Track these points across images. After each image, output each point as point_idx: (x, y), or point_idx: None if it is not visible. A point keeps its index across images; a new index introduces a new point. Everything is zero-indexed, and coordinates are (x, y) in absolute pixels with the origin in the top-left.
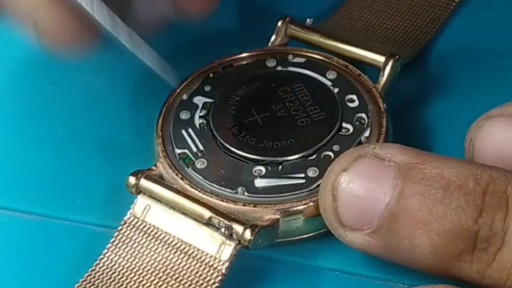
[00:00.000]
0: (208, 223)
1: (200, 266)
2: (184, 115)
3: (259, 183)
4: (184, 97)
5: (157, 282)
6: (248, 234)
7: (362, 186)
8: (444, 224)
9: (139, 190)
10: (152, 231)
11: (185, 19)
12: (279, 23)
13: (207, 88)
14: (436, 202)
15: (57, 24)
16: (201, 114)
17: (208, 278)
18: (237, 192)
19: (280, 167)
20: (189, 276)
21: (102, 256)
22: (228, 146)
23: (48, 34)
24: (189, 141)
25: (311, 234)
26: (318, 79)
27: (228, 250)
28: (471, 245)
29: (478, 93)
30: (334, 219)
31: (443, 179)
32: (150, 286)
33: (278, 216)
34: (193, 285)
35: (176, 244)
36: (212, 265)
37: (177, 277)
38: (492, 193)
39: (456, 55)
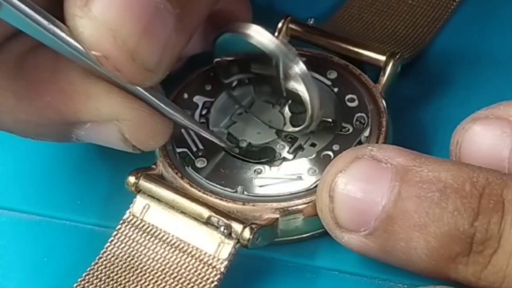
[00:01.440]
0: (207, 222)
1: (199, 265)
2: None
3: (259, 182)
4: (185, 96)
5: (156, 281)
6: (247, 233)
7: (359, 187)
8: (441, 227)
9: (139, 189)
10: (151, 230)
11: None
12: (280, 23)
13: (208, 87)
14: (432, 205)
15: (141, 125)
16: (202, 113)
17: (207, 277)
18: (236, 191)
19: (279, 166)
20: (188, 275)
21: (101, 255)
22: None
23: (134, 136)
24: (189, 140)
25: (310, 233)
26: (318, 79)
27: (227, 249)
28: (467, 247)
29: (477, 93)
30: (331, 220)
31: (440, 182)
32: (149, 285)
33: (277, 216)
34: (192, 284)
35: (175, 243)
36: (211, 264)
37: (176, 276)
38: (488, 196)
39: (457, 56)
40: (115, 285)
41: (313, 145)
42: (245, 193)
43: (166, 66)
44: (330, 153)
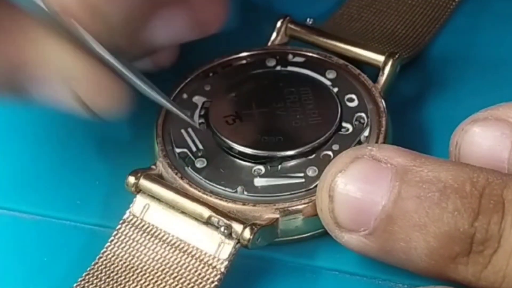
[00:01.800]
0: (207, 222)
1: (199, 265)
2: None
3: (259, 182)
4: (184, 96)
5: (156, 281)
6: (247, 233)
7: (358, 187)
8: (441, 227)
9: (139, 189)
10: (151, 230)
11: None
12: (279, 23)
13: (207, 88)
14: (432, 205)
15: (96, 85)
16: (201, 113)
17: (207, 277)
18: (236, 191)
19: (279, 166)
20: (188, 275)
21: (101, 255)
22: (226, 141)
23: (87, 95)
24: (189, 140)
25: (311, 233)
26: (318, 79)
27: (227, 249)
28: (467, 248)
29: (477, 93)
30: (331, 220)
31: (440, 182)
32: (149, 285)
33: (278, 216)
34: (192, 284)
35: (175, 243)
36: (211, 264)
37: (176, 276)
38: (488, 196)
39: (456, 56)
40: (115, 285)
41: None
42: (245, 193)
43: (121, 15)
44: (330, 153)
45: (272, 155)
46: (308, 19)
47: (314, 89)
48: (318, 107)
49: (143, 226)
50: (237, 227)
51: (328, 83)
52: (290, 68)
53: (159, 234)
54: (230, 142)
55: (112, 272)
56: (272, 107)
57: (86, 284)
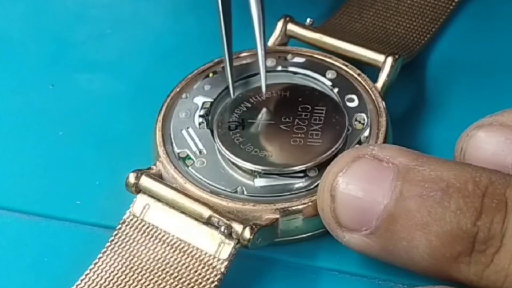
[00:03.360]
0: (207, 222)
1: (199, 265)
2: (184, 115)
3: (259, 182)
4: (184, 96)
5: (156, 281)
6: (247, 233)
7: (360, 187)
8: (443, 226)
9: (139, 189)
10: (151, 230)
11: None
12: (279, 23)
13: (207, 88)
14: (435, 204)
15: None
16: (201, 113)
17: (207, 277)
18: (236, 192)
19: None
20: (188, 275)
21: (101, 255)
22: (224, 148)
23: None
24: (189, 140)
25: (311, 233)
26: (318, 79)
27: (227, 249)
28: (470, 247)
29: (477, 94)
30: (332, 219)
31: (442, 182)
32: (149, 285)
33: (278, 216)
34: (192, 284)
35: (175, 243)
36: (211, 264)
37: (176, 276)
38: (491, 195)
39: (457, 56)
40: (115, 284)
41: None
42: (245, 193)
43: None
44: None
45: (271, 170)
46: (308, 19)
47: (323, 104)
48: (325, 123)
49: (143, 226)
50: (237, 227)
51: (328, 83)
52: (290, 68)
53: (159, 234)
54: (228, 153)
55: (113, 271)
56: (278, 120)
57: (87, 284)
